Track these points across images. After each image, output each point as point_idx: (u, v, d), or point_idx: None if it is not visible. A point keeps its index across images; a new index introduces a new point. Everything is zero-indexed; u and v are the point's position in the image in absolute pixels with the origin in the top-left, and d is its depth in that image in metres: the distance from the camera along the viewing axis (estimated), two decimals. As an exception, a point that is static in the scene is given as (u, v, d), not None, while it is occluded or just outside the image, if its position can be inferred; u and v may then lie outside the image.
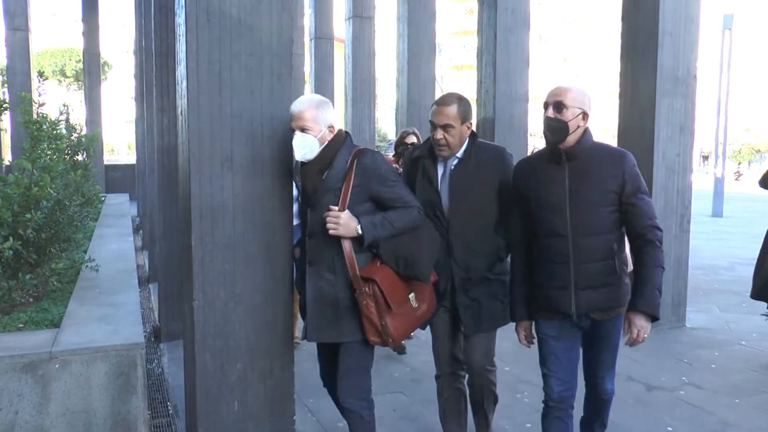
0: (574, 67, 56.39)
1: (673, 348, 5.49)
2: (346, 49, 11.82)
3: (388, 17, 21.87)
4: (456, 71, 53.36)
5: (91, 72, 19.33)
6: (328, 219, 2.77)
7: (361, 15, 11.50)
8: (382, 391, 4.36)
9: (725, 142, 20.19)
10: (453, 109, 2.97)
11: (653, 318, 2.68)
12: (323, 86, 13.64)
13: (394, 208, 2.84)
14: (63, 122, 7.12)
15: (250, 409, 3.05)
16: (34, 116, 5.54)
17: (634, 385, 4.58)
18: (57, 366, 3.05)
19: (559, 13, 57.20)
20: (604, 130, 42.12)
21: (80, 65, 34.49)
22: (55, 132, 6.28)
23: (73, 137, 9.33)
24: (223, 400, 3.01)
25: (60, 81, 46.53)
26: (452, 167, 3.07)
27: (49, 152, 5.20)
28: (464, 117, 3.00)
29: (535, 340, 2.97)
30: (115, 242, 6.65)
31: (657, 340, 5.51)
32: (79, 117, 16.52)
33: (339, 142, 2.87)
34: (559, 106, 2.70)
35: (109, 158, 28.43)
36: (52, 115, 7.00)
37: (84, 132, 12.26)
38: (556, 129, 2.71)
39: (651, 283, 2.66)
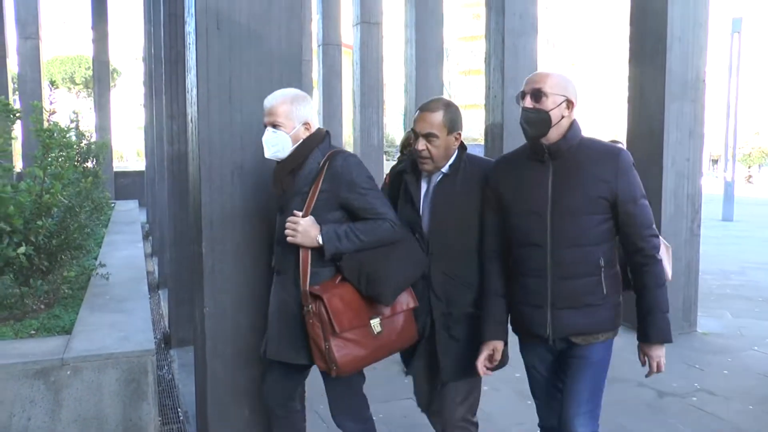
0: (583, 71, 56.28)
1: (685, 354, 5.45)
2: (354, 55, 11.86)
3: (396, 23, 21.92)
4: (464, 76, 53.38)
5: (100, 79, 19.49)
6: (286, 225, 2.52)
7: (369, 21, 11.54)
8: (393, 397, 4.36)
9: (735, 145, 20.09)
10: (438, 117, 2.58)
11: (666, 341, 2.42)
12: (331, 92, 13.69)
13: (365, 220, 2.54)
14: (73, 130, 7.17)
15: (261, 415, 3.05)
16: (45, 124, 5.59)
17: (645, 392, 4.55)
18: (69, 372, 3.07)
19: (567, 17, 57.17)
20: (612, 137, 42.05)
21: (90, 72, 34.74)
22: (65, 140, 6.33)
23: (82, 144, 9.39)
24: (233, 406, 3.02)
25: (69, 88, 46.89)
26: (435, 183, 2.67)
27: (59, 160, 5.24)
28: (451, 126, 2.60)
29: (494, 367, 2.62)
30: (125, 249, 6.69)
31: (668, 346, 5.43)
32: (88, 124, 16.63)
33: (314, 142, 2.60)
34: (537, 95, 2.31)
35: (118, 165, 28.58)
36: (63, 122, 7.06)
37: (93, 139, 12.34)
38: (535, 121, 2.32)
39: (659, 308, 2.39)
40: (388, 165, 14.02)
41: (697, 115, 6.03)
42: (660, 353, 2.43)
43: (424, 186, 2.71)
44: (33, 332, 3.64)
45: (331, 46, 14.06)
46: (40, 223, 4.37)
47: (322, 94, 14.70)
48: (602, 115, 51.18)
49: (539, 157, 2.39)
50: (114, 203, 11.58)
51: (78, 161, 8.07)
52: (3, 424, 2.96)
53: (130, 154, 66.37)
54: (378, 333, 2.54)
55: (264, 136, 2.60)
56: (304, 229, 2.48)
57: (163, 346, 5.75)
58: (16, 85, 16.24)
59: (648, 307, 2.40)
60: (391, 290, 2.51)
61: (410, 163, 2.75)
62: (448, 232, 2.63)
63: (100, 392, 3.11)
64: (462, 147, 2.70)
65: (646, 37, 6.08)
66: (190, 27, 2.96)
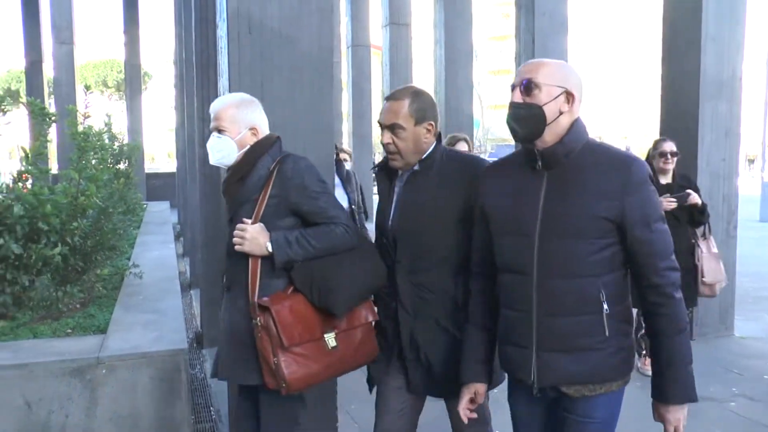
0: (611, 70, 55.57)
1: (722, 357, 5.33)
2: (383, 56, 11.89)
3: (425, 24, 21.87)
4: (493, 76, 53.13)
5: (132, 82, 19.83)
6: (234, 233, 2.36)
7: (398, 22, 11.56)
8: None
9: (772, 144, 19.64)
10: (402, 106, 2.31)
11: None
12: (360, 94, 13.75)
13: (317, 225, 2.38)
14: (106, 132, 7.32)
15: (292, 416, 3.06)
16: (80, 128, 5.70)
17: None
18: (104, 371, 3.13)
19: (595, 15, 56.51)
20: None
21: (121, 76, 35.39)
22: (99, 142, 6.46)
23: (115, 147, 9.57)
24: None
25: (102, 91, 47.79)
26: (404, 182, 2.42)
27: (94, 162, 5.34)
28: (419, 116, 2.32)
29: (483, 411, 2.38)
30: (157, 249, 6.79)
31: (704, 350, 5.36)
32: (120, 126, 16.94)
33: (263, 147, 2.45)
34: (528, 87, 1.90)
35: (149, 167, 29.05)
36: (97, 125, 7.21)
37: (125, 141, 12.56)
38: (524, 118, 1.91)
39: (681, 360, 1.90)
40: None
41: (733, 114, 5.90)
42: (680, 416, 1.93)
43: (398, 185, 2.45)
44: (69, 331, 3.72)
45: (360, 47, 14.10)
46: (75, 224, 4.47)
47: (352, 96, 14.73)
48: (633, 117, 50.47)
49: (532, 164, 1.97)
50: (146, 204, 11.76)
51: (111, 163, 8.23)
52: (42, 421, 3.03)
53: (160, 155, 67.43)
54: (332, 348, 2.35)
55: (208, 141, 2.49)
56: (252, 236, 2.31)
57: (195, 345, 5.83)
58: (51, 89, 16.61)
59: (666, 360, 1.92)
60: (344, 301, 2.32)
61: (385, 159, 2.49)
62: (418, 237, 2.34)
63: (134, 390, 3.16)
64: (439, 140, 2.42)
65: (679, 36, 5.98)
66: (221, 31, 3.00)
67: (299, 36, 2.93)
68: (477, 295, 2.17)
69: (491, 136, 50.05)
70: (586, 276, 1.88)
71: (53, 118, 5.41)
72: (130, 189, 8.48)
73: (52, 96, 15.53)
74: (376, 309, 2.49)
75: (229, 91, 2.87)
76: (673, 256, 1.92)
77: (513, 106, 1.93)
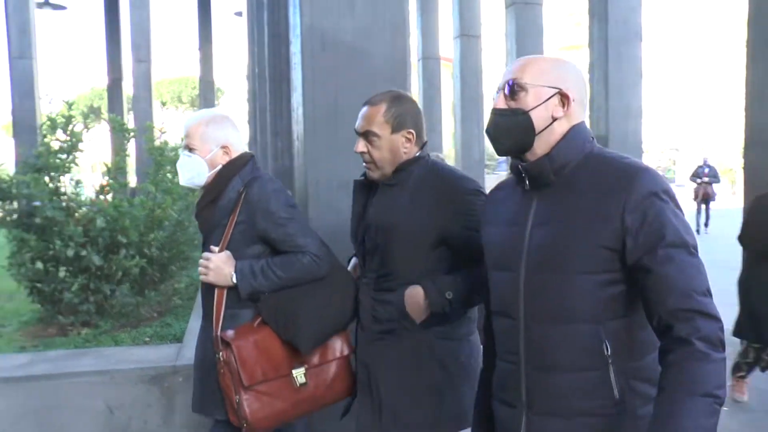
0: (688, 79, 53.63)
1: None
2: (453, 68, 11.84)
3: (495, 35, 21.75)
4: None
5: (206, 98, 20.50)
6: (200, 262, 2.25)
7: (469, 34, 11.50)
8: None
9: None
10: (378, 111, 2.09)
11: None
12: (431, 106, 13.72)
13: (285, 253, 2.23)
14: (181, 147, 7.59)
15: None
16: (156, 143, 5.93)
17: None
18: (181, 379, 3.21)
19: (671, 22, 54.76)
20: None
21: (195, 92, 36.65)
22: (175, 157, 6.69)
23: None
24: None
25: (177, 107, 49.66)
26: (375, 195, 2.17)
27: (170, 175, 5.53)
28: (397, 123, 2.09)
29: None
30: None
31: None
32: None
33: (234, 168, 2.31)
34: (513, 90, 1.55)
35: (221, 179, 29.91)
36: (173, 140, 7.48)
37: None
38: (507, 128, 1.56)
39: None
40: (489, 179, 13.86)
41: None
42: None
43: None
44: (147, 339, 3.84)
45: (430, 59, 14.07)
46: (152, 235, 4.63)
47: (422, 108, 14.65)
48: (701, 126, 48.51)
49: (522, 184, 1.61)
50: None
51: (187, 176, 8.52)
52: (123, 426, 3.14)
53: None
54: (301, 385, 2.19)
55: (178, 160, 2.39)
56: (216, 265, 2.19)
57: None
58: (130, 106, 17.37)
59: (662, 423, 1.36)
60: (309, 336, 2.16)
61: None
62: (384, 257, 2.09)
63: (209, 400, 3.22)
64: (420, 151, 2.15)
65: (766, 38, 5.70)
66: (295, 48, 3.04)
67: (372, 50, 2.93)
68: (488, 339, 1.81)
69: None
70: (583, 321, 1.48)
71: (132, 133, 5.65)
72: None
73: (131, 112, 16.23)
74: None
75: (303, 106, 2.90)
76: (701, 298, 1.39)
77: (494, 112, 1.59)
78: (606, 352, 1.47)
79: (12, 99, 13.48)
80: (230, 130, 2.37)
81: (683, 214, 1.48)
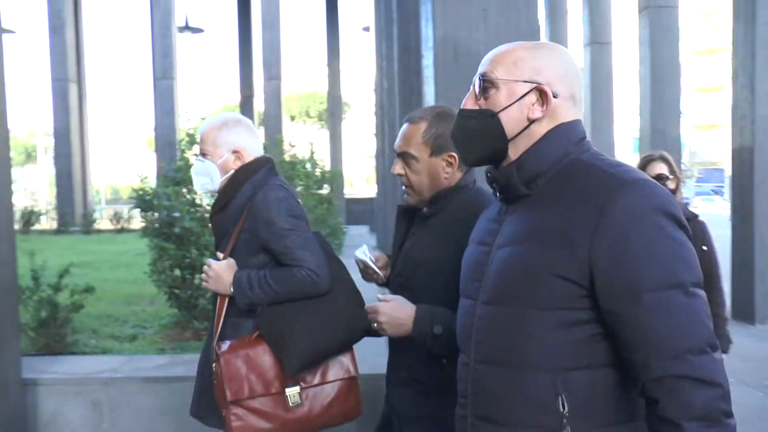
0: None
1: None
2: (584, 76, 11.53)
3: (626, 41, 20.86)
4: (700, 94, 48.99)
5: (333, 112, 21.18)
6: (203, 268, 2.21)
7: (599, 41, 11.17)
8: None
9: None
10: (417, 130, 1.84)
11: None
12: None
13: (284, 266, 2.11)
14: (309, 161, 7.84)
15: None
16: (286, 156, 6.12)
17: None
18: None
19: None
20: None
21: (323, 106, 37.97)
22: (304, 170, 6.88)
23: (317, 173, 10.21)
24: None
25: (304, 121, 51.74)
26: (414, 226, 1.96)
27: (299, 188, 5.67)
28: (437, 145, 1.82)
29: None
30: (357, 273, 7.02)
31: None
32: (322, 154, 18.12)
33: (246, 174, 2.22)
34: (484, 86, 1.31)
35: (348, 191, 30.81)
36: (301, 153, 7.71)
37: (327, 168, 13.37)
38: (473, 133, 1.33)
39: None
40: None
41: None
42: None
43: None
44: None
45: (559, 68, 13.79)
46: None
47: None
48: None
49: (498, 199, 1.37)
50: (346, 228, 12.30)
51: (314, 189, 8.79)
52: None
53: (358, 181, 71.14)
54: (295, 405, 2.06)
55: (192, 166, 2.33)
56: (217, 273, 2.13)
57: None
58: (261, 120, 18.26)
59: None
60: (297, 357, 2.01)
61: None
62: (414, 298, 1.80)
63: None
64: (463, 178, 1.87)
65: None
66: (427, 60, 2.99)
67: (507, 60, 2.83)
68: None
69: (698, 159, 45.98)
70: (537, 367, 1.18)
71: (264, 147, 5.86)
72: (331, 213, 8.95)
73: (262, 127, 17.09)
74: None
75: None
76: (704, 357, 1.08)
77: (459, 114, 1.36)
78: (562, 409, 1.16)
79: (155, 116, 14.58)
80: (243, 135, 2.29)
81: (688, 240, 1.14)
